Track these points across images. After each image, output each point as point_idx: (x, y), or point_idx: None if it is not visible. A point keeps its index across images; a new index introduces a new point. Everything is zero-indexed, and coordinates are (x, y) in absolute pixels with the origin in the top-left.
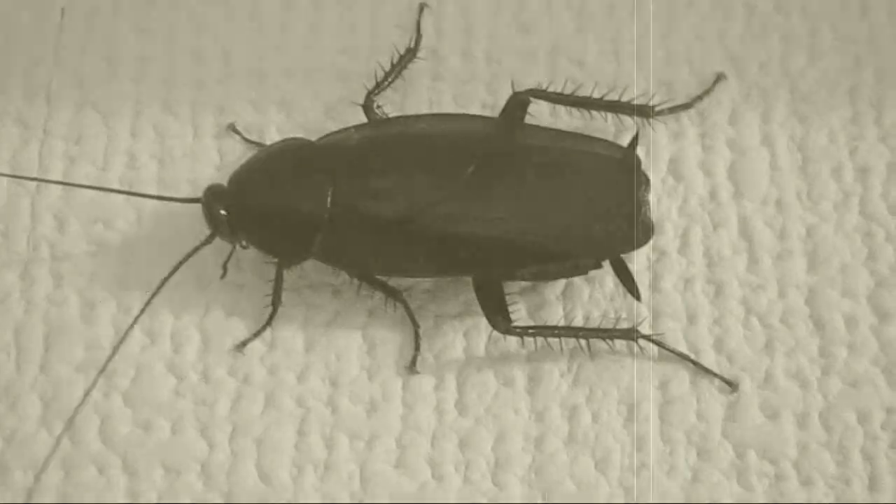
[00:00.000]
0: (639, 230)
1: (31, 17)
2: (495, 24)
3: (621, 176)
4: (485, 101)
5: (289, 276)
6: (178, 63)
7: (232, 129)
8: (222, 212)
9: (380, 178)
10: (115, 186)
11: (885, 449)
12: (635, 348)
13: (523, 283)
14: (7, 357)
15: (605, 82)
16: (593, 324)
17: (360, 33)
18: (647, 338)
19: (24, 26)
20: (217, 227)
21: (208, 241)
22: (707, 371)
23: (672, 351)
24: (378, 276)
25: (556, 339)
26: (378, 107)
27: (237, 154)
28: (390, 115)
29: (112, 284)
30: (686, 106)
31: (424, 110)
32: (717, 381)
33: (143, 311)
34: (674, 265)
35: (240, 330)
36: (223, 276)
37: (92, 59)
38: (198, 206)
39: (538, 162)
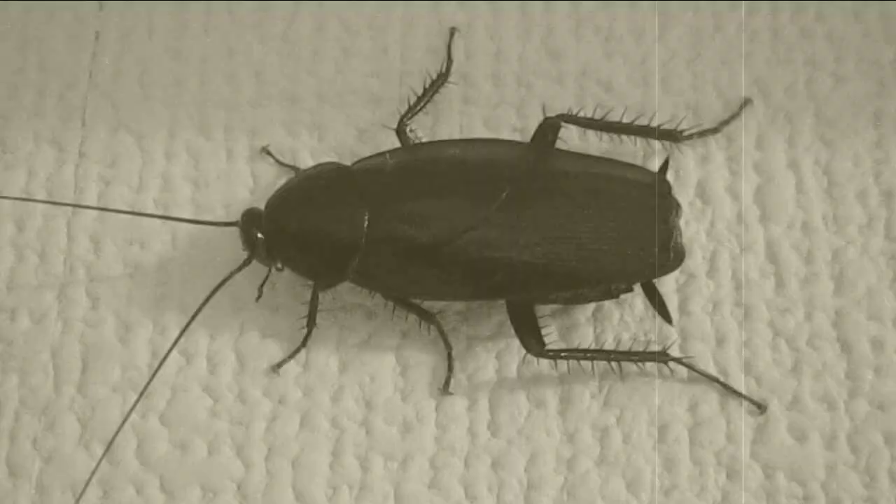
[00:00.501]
0: (670, 255)
1: (65, 40)
2: (524, 49)
3: (652, 201)
4: (515, 125)
5: (323, 298)
6: (211, 86)
7: (265, 152)
8: (259, 235)
9: (415, 202)
10: (151, 208)
11: None
12: (665, 370)
13: (554, 305)
14: (45, 378)
15: (633, 107)
16: (623, 346)
17: (391, 57)
18: (677, 360)
19: (59, 49)
20: (254, 250)
21: (245, 264)
22: (736, 393)
23: (701, 373)
24: (412, 299)
25: (588, 362)
26: (411, 131)
27: (271, 177)
28: (422, 139)
29: (148, 306)
30: (713, 130)
31: (455, 134)
32: (745, 403)
33: (181, 335)
34: (702, 288)
35: (275, 351)
36: (258, 298)
37: (126, 83)
38: (232, 229)
39: (570, 187)
